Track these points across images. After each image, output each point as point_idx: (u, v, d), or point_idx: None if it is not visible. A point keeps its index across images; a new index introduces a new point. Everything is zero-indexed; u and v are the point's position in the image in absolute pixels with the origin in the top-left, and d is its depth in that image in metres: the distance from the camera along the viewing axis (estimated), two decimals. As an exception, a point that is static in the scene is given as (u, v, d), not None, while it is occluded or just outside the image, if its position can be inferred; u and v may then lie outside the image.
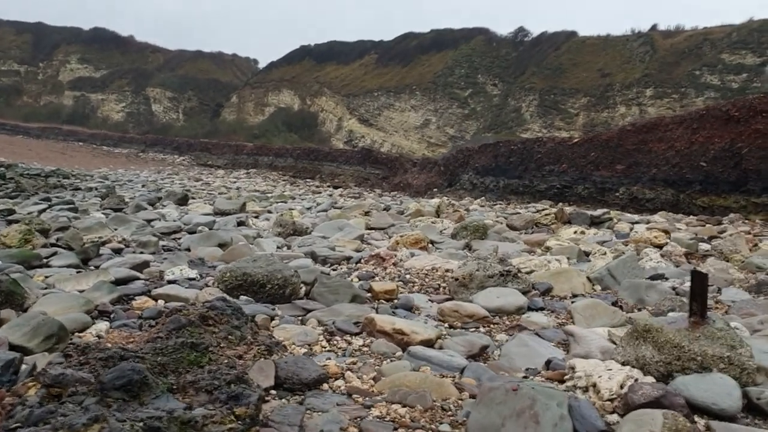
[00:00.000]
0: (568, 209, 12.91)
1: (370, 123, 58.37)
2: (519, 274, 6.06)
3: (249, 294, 5.32)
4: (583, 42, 50.90)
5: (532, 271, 6.72)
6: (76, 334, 4.21)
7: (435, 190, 25.58)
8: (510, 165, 22.42)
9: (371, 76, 62.80)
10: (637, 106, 41.62)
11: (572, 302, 5.73)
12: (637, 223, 11.95)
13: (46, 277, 5.68)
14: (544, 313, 5.41)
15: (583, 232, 10.14)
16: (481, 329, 4.87)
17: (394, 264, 6.99)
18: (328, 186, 30.44)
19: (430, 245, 8.55)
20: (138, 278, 5.88)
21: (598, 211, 12.64)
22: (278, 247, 8.20)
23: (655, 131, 17.28)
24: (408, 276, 6.49)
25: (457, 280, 5.90)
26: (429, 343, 4.29)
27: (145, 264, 6.34)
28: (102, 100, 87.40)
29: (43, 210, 11.01)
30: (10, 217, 10.14)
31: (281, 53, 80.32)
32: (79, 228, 9.09)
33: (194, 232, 9.46)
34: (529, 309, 5.47)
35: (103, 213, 11.68)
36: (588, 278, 6.39)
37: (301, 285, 5.69)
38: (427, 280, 6.39)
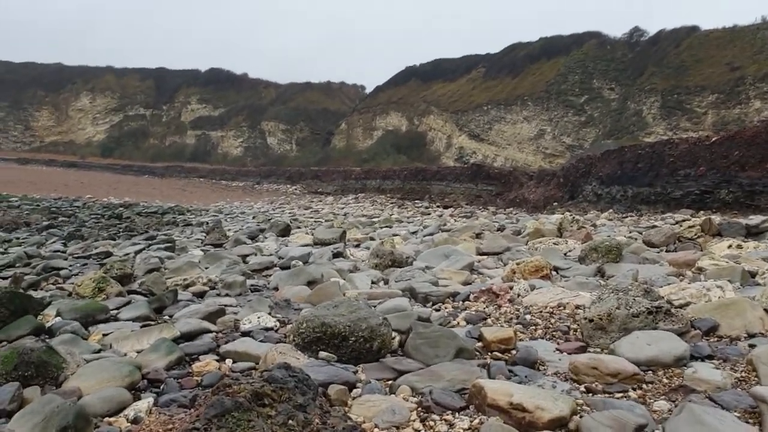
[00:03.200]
0: (717, 219, 11.04)
1: (480, 138, 57.01)
2: (672, 310, 4.67)
3: (330, 349, 4.31)
4: (706, 36, 47.43)
5: (687, 304, 5.28)
6: (107, 419, 3.35)
7: (555, 204, 23.81)
8: (638, 172, 20.31)
9: (479, 90, 61.59)
10: (774, 99, 37.85)
11: (750, 346, 4.30)
12: (808, 231, 9.97)
13: (105, 335, 4.97)
14: (714, 364, 4.02)
15: (740, 247, 8.40)
16: (631, 393, 3.58)
17: (510, 300, 5.77)
18: (438, 206, 29.33)
19: (553, 273, 7.23)
20: (208, 331, 5.05)
21: (755, 219, 10.68)
22: (373, 282, 7.20)
23: (812, 121, 14.87)
24: (528, 316, 5.25)
25: (591, 321, 4.61)
26: (561, 423, 3.11)
27: (221, 312, 5.52)
28: (221, 136, 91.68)
29: (140, 250, 10.69)
30: (105, 260, 9.84)
31: (387, 76, 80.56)
32: (169, 268, 8.61)
33: (288, 267, 8.67)
34: (692, 358, 4.11)
35: (201, 250, 11.25)
36: (766, 311, 4.88)
37: (394, 335, 4.63)
38: (552, 321, 5.13)
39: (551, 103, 51.89)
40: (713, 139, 18.47)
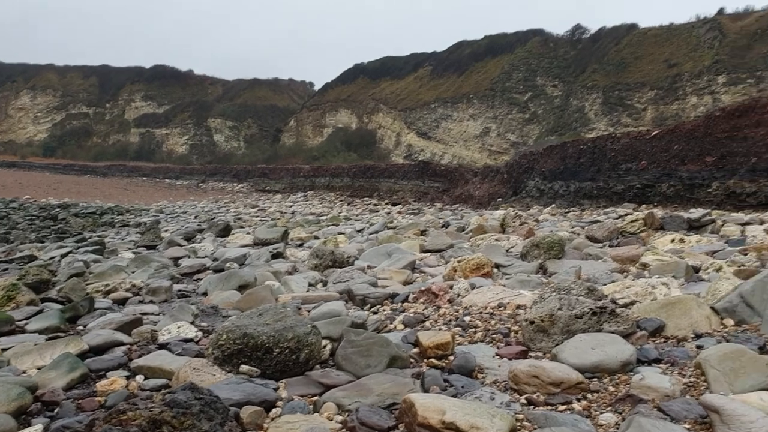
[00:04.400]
0: (659, 213, 11.04)
1: (428, 136, 57.13)
2: (617, 310, 4.46)
3: (253, 362, 3.94)
4: (644, 33, 48.70)
5: (632, 302, 5.09)
6: (-18, 453, 2.91)
7: (499, 199, 23.83)
8: (580, 166, 20.45)
9: (427, 89, 61.73)
10: (709, 95, 39.13)
11: (697, 347, 4.12)
12: (748, 224, 9.97)
13: (4, 350, 4.47)
14: (662, 369, 3.81)
15: (682, 241, 8.35)
16: (575, 405, 3.33)
17: (450, 301, 5.50)
18: (387, 203, 29.10)
19: (495, 270, 7.00)
20: (122, 343, 4.61)
21: (696, 212, 10.72)
22: (311, 284, 6.84)
23: (749, 115, 15.06)
24: (468, 318, 4.98)
25: (532, 323, 4.36)
26: (499, 443, 2.81)
27: (137, 321, 5.07)
28: (166, 134, 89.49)
29: (67, 254, 10.05)
30: (29, 265, 9.20)
31: (335, 74, 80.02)
32: (94, 273, 8.07)
33: (222, 270, 8.23)
34: (639, 362, 3.89)
35: (133, 252, 10.66)
36: (713, 308, 4.71)
37: (325, 343, 4.30)
38: (492, 322, 4.87)
39: (496, 101, 52.36)
40: (653, 134, 18.69)
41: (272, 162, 62.63)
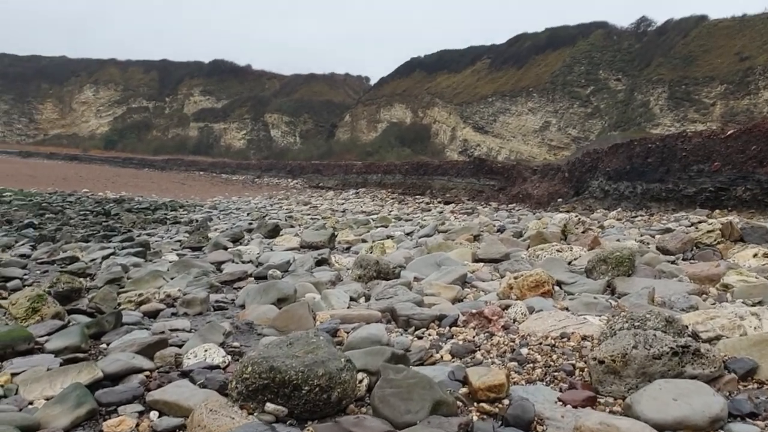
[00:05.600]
0: (737, 222, 10.09)
1: (485, 130, 56.08)
2: (701, 349, 3.79)
3: (280, 399, 3.47)
4: (714, 25, 46.44)
5: (718, 337, 4.40)
6: None
7: (559, 200, 22.87)
8: (648, 167, 19.31)
9: (484, 82, 60.63)
10: (784, 90, 36.92)
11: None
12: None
13: (14, 375, 4.11)
14: (760, 427, 3.17)
15: (767, 255, 7.48)
16: (658, 477, 2.72)
17: (505, 327, 4.91)
18: (439, 202, 28.42)
19: (556, 288, 6.34)
20: (141, 370, 4.18)
21: (780, 222, 9.79)
22: (353, 299, 6.33)
23: (839, 113, 13.86)
24: (525, 350, 4.38)
25: (602, 363, 3.74)
26: None
27: (161, 343, 4.65)
28: (224, 129, 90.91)
29: (108, 256, 9.84)
30: (70, 267, 9.03)
31: (392, 68, 79.52)
32: (131, 278, 7.77)
33: (264, 278, 7.84)
34: (731, 416, 3.25)
35: (177, 255, 10.41)
36: (817, 348, 3.99)
37: (362, 377, 3.80)
38: (554, 356, 4.26)
39: (557, 95, 50.94)
40: (729, 133, 17.47)
41: (327, 158, 62.75)
